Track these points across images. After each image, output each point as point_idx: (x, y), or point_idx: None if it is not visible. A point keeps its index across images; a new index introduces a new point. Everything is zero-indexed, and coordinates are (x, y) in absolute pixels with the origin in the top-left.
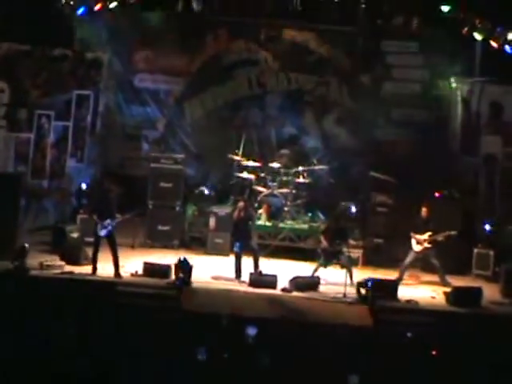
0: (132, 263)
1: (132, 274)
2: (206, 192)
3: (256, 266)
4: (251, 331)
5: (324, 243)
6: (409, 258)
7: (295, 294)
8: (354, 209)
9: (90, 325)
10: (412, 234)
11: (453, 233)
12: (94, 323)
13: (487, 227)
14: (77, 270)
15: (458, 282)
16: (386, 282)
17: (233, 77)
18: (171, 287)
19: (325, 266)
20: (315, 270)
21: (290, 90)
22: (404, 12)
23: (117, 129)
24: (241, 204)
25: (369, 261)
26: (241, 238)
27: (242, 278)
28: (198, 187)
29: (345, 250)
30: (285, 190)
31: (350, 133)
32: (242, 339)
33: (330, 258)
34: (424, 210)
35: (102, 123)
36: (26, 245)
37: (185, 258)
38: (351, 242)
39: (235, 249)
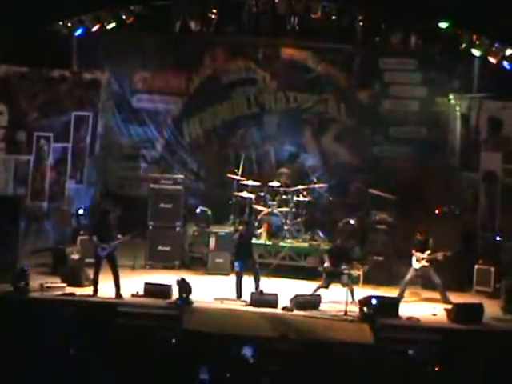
0: (133, 284)
1: (133, 295)
2: (198, 211)
3: (257, 285)
4: (248, 352)
5: (327, 264)
6: (409, 275)
7: (296, 312)
8: (352, 221)
9: (91, 346)
10: (413, 251)
11: (448, 253)
12: (95, 344)
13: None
14: (78, 291)
15: (458, 298)
16: (387, 299)
17: (231, 96)
18: (172, 307)
19: (327, 287)
20: (316, 290)
21: (289, 108)
22: (402, 29)
23: (115, 149)
24: (242, 228)
25: (369, 279)
26: (242, 258)
27: (243, 298)
28: (198, 207)
29: (345, 268)
30: (284, 209)
31: (348, 150)
32: (244, 359)
33: (331, 278)
34: (418, 235)
35: (101, 144)
36: (26, 267)
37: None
38: (354, 263)
39: (236, 268)
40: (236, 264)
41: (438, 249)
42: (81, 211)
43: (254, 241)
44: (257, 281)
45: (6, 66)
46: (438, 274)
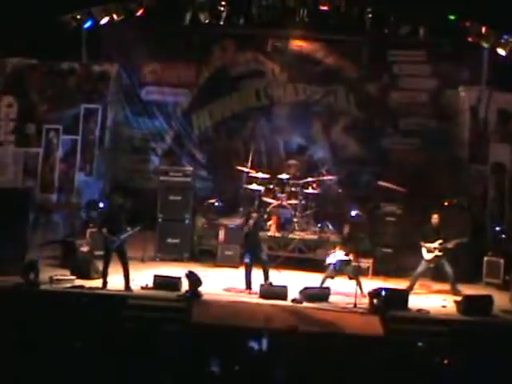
0: (142, 276)
1: (142, 287)
2: (216, 204)
3: (266, 277)
4: (255, 344)
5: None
6: (420, 268)
7: (306, 304)
8: (353, 213)
9: (101, 338)
10: (422, 243)
11: (464, 240)
12: (105, 336)
13: (498, 228)
14: (87, 283)
15: (468, 290)
16: (396, 291)
17: (240, 88)
18: (181, 300)
19: (332, 277)
20: (323, 281)
21: (298, 100)
22: (411, 21)
23: (125, 142)
24: (254, 215)
25: (378, 270)
26: (251, 250)
27: (253, 290)
28: (207, 200)
29: (353, 260)
30: (294, 201)
31: (357, 142)
32: (253, 351)
33: (338, 268)
34: (435, 217)
35: (111, 136)
36: (38, 259)
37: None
38: (362, 255)
39: (246, 260)
40: (246, 256)
41: (448, 239)
42: (101, 204)
43: (263, 233)
44: (266, 273)
45: (16, 59)
46: (450, 265)
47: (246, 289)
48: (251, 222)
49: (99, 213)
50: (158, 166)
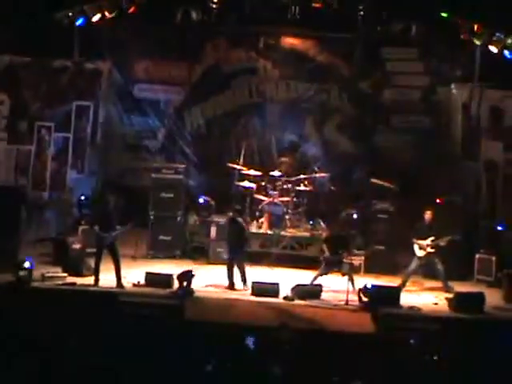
0: (134, 273)
1: (134, 285)
2: (200, 201)
3: (243, 279)
4: (251, 342)
5: (326, 252)
6: (413, 265)
7: (297, 301)
8: (355, 215)
9: (92, 335)
10: (414, 240)
11: (456, 237)
12: (97, 334)
13: (500, 227)
14: (79, 281)
15: (459, 287)
16: (388, 288)
17: (232, 85)
18: (174, 297)
19: (326, 275)
20: (315, 279)
21: (290, 97)
22: (403, 19)
23: (117, 139)
24: (229, 214)
25: (371, 268)
26: (232, 248)
27: (238, 287)
28: (200, 197)
29: (346, 257)
30: (286, 198)
31: (350, 139)
32: (245, 348)
33: (331, 266)
34: (428, 213)
35: (103, 134)
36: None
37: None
38: (354, 251)
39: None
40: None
41: (440, 236)
42: (82, 197)
43: (255, 231)
44: (243, 274)
45: (10, 56)
46: (441, 262)
47: (229, 283)
48: (229, 219)
49: (91, 210)
50: (150, 163)
